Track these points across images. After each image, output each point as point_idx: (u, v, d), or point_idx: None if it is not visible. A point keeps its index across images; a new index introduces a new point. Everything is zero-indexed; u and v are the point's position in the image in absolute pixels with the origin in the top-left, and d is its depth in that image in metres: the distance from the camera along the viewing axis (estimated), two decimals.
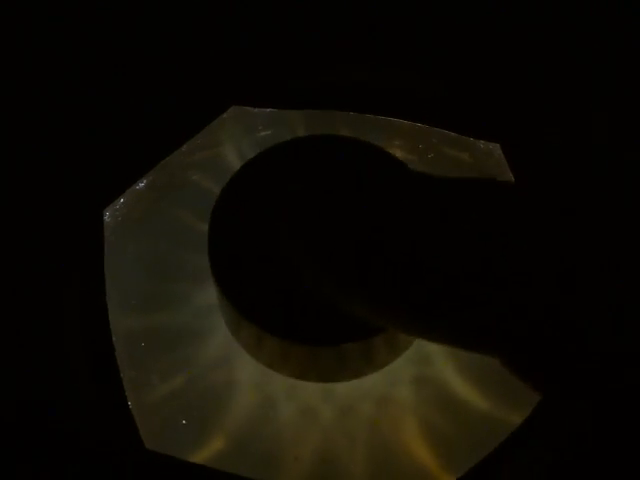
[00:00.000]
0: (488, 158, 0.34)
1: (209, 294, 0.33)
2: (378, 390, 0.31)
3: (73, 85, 0.35)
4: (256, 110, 0.35)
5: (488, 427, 0.30)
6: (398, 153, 0.34)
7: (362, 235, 0.24)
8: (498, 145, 0.34)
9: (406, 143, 0.35)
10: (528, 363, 0.22)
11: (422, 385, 0.31)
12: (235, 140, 0.35)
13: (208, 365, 0.31)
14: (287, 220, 0.26)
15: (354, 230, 0.24)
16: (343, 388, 0.31)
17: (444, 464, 0.30)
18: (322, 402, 0.31)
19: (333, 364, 0.29)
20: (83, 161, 0.34)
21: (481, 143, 0.34)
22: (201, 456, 0.30)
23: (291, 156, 0.30)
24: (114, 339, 0.31)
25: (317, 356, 0.28)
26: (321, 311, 0.27)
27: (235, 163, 0.35)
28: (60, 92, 0.35)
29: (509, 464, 0.29)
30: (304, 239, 0.25)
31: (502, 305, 0.22)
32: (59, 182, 0.33)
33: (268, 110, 0.35)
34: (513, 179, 0.33)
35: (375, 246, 0.23)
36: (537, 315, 0.22)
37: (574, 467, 0.26)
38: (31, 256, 0.32)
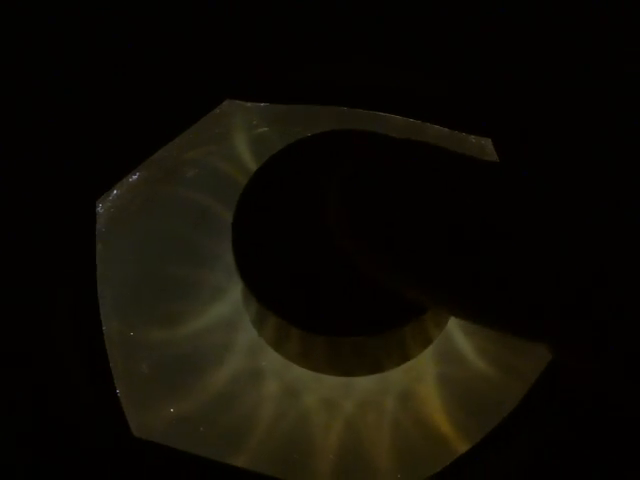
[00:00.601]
0: (480, 153, 0.34)
1: (204, 289, 0.33)
2: (401, 385, 0.31)
3: (67, 76, 0.35)
4: (250, 104, 0.36)
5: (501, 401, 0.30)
6: None
7: (412, 213, 0.24)
8: (490, 140, 0.34)
9: None
10: (579, 348, 0.22)
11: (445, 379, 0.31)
12: (228, 134, 0.35)
13: (204, 359, 0.32)
14: (336, 202, 0.26)
15: (405, 208, 0.24)
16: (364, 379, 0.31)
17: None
18: (344, 396, 0.31)
19: (353, 357, 0.29)
20: (76, 152, 0.34)
21: (473, 138, 0.34)
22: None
23: (316, 149, 0.30)
24: (104, 329, 0.31)
25: (337, 348, 0.28)
26: (343, 303, 0.27)
27: (228, 156, 0.35)
28: (54, 83, 0.35)
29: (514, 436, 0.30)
30: (355, 218, 0.25)
31: (553, 290, 0.22)
32: (52, 172, 0.34)
33: (262, 104, 0.36)
34: None
35: (427, 224, 0.24)
36: (589, 300, 0.22)
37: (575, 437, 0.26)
38: (22, 246, 0.33)
